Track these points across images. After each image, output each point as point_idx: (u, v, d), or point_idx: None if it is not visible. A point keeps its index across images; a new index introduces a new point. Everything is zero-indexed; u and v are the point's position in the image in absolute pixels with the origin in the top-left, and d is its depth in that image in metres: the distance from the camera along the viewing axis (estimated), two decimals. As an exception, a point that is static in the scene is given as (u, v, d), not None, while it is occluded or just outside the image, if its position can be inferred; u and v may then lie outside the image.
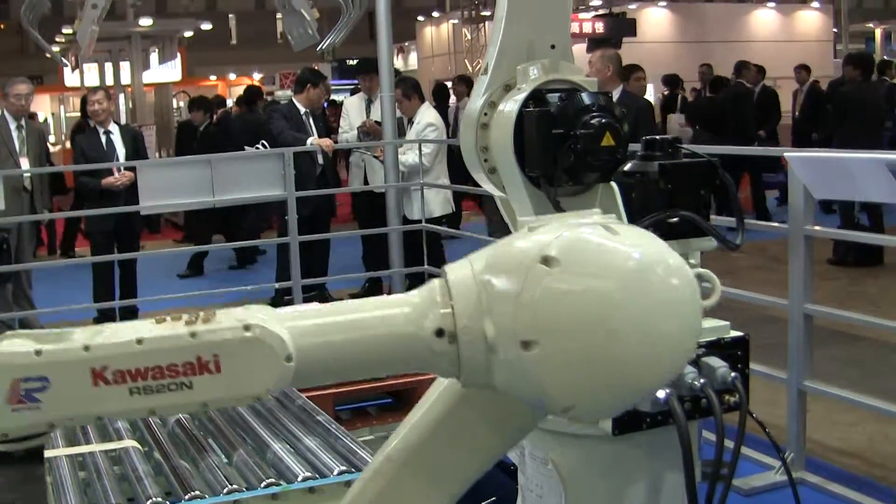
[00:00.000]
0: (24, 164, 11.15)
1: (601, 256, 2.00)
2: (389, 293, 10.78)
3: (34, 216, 11.20)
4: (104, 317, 11.18)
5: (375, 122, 11.71)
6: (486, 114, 3.38)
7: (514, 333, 1.95)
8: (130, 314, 11.37)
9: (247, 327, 1.93)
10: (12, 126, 11.19)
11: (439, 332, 2.09)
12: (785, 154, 6.39)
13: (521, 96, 3.25)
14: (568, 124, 3.11)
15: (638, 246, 1.99)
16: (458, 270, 2.11)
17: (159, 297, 11.44)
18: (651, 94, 19.96)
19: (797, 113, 20.31)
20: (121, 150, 11.30)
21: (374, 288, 12.29)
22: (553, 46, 3.46)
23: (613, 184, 3.20)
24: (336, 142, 11.90)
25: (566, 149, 3.10)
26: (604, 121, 3.11)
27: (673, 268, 2.03)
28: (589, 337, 1.92)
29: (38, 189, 11.22)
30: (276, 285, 10.94)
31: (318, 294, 11.02)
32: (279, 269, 11.21)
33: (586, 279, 1.94)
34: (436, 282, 2.17)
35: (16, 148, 11.14)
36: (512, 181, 3.27)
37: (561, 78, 3.35)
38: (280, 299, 10.93)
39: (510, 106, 3.29)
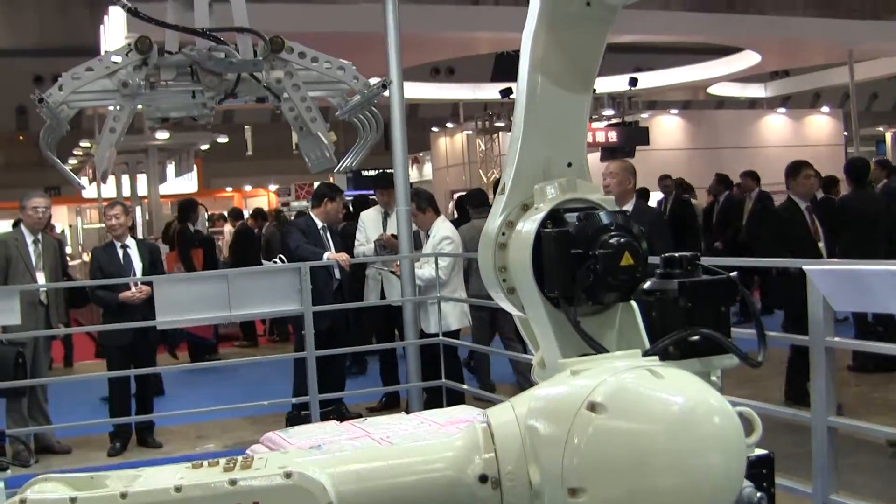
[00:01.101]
0: (41, 278, 11.17)
1: (646, 402, 1.98)
2: (407, 408, 10.75)
3: (49, 331, 11.18)
4: (120, 432, 11.13)
5: (392, 235, 11.74)
6: (504, 234, 3.37)
7: (561, 480, 1.92)
8: (147, 429, 11.31)
9: (287, 474, 1.90)
10: (29, 240, 11.22)
11: (483, 478, 2.06)
12: (804, 267, 6.35)
13: (539, 216, 3.24)
14: (587, 244, 3.09)
15: (681, 390, 1.97)
16: (501, 415, 2.09)
17: (177, 412, 11.39)
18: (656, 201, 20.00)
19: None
20: (138, 265, 11.35)
21: (391, 402, 12.23)
22: (570, 164, 3.46)
23: (633, 302, 3.17)
24: (353, 255, 11.92)
25: (585, 269, 3.08)
26: (622, 240, 3.09)
27: (715, 408, 2.01)
28: (637, 481, 1.90)
29: (54, 303, 11.23)
30: (294, 400, 10.88)
31: (336, 409, 10.95)
32: (296, 384, 11.16)
33: (633, 425, 1.92)
34: (478, 426, 2.14)
35: (32, 262, 11.17)
36: (531, 301, 3.25)
37: (579, 197, 3.34)
38: (297, 414, 10.86)
39: (528, 226, 3.28)
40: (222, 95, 3.65)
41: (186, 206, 18.94)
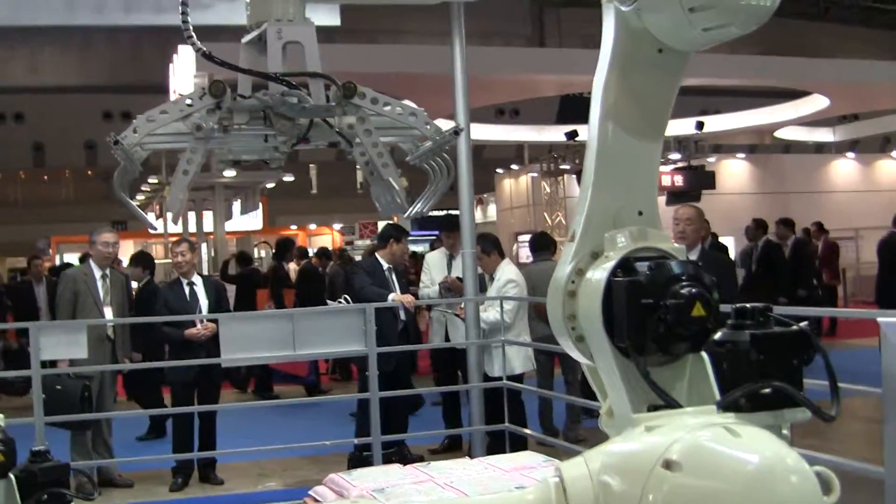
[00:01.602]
0: (108, 313, 11.25)
1: (722, 461, 1.96)
2: (469, 452, 10.71)
3: (116, 365, 11.26)
4: (182, 467, 11.17)
5: (457, 278, 11.72)
6: (573, 281, 3.35)
7: (636, 537, 1.90)
8: (209, 465, 11.34)
9: None
10: (97, 275, 11.29)
11: None
12: (879, 319, 6.23)
13: (610, 265, 3.23)
14: (657, 294, 3.07)
15: (757, 449, 1.95)
16: (574, 469, 2.07)
17: (240, 450, 11.41)
18: (732, 247, 19.80)
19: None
20: (203, 302, 11.41)
21: (453, 445, 12.18)
22: (640, 213, 3.45)
23: (704, 354, 3.14)
24: (417, 297, 11.93)
25: (656, 319, 3.05)
26: (694, 290, 3.07)
27: (792, 468, 1.98)
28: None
29: (121, 338, 11.32)
30: (356, 441, 10.86)
31: (398, 451, 10.94)
32: (358, 425, 11.15)
33: (709, 484, 1.90)
34: (550, 481, 2.12)
35: (100, 297, 11.24)
36: (600, 350, 3.23)
37: (649, 245, 3.32)
38: (359, 455, 10.84)
39: (598, 274, 3.26)
40: (295, 140, 3.65)
41: (283, 245, 19.06)
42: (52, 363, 10.40)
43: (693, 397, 3.08)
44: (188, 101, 3.59)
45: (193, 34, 3.55)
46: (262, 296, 18.35)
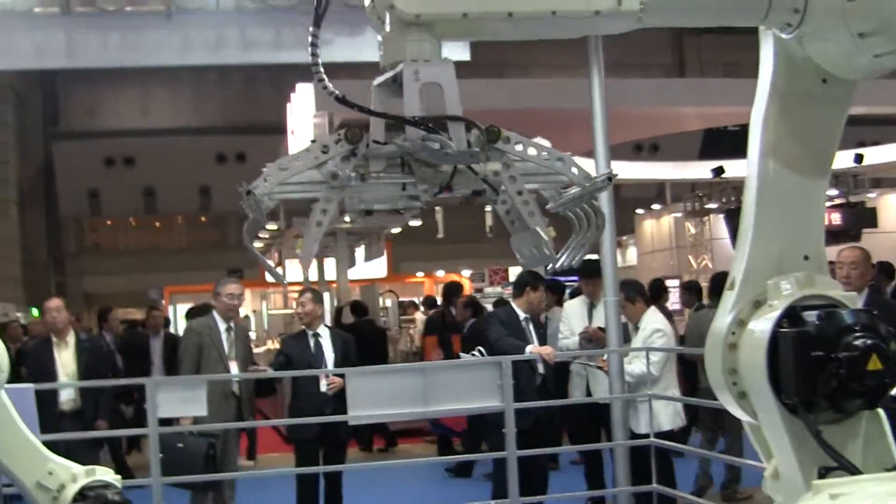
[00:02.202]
0: (233, 368, 11.33)
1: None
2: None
3: (241, 423, 11.40)
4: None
5: (599, 328, 11.66)
6: (734, 333, 3.32)
7: None
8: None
9: None
10: (222, 328, 11.40)
11: None
12: None
13: (775, 315, 3.20)
14: (829, 346, 3.05)
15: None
16: None
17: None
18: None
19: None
20: (329, 356, 11.44)
21: (596, 506, 12.11)
22: (806, 257, 3.41)
23: (880, 411, 3.11)
24: (556, 349, 11.89)
25: (827, 373, 3.02)
26: (869, 342, 3.04)
27: None
28: None
29: (246, 394, 11.42)
30: (492, 503, 10.85)
31: (538, 515, 10.92)
32: (495, 485, 11.11)
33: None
34: None
35: (225, 351, 11.34)
36: (765, 407, 3.21)
37: (817, 293, 3.28)
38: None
39: (762, 325, 3.24)
40: (437, 189, 3.61)
41: (451, 289, 19.22)
42: (170, 420, 10.59)
43: (869, 459, 3.04)
44: (323, 148, 3.58)
45: (325, 76, 3.56)
46: (429, 343, 18.46)
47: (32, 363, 12.32)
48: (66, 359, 12.04)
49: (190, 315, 18.11)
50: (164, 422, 10.56)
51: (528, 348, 11.13)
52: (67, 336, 12.20)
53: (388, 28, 3.34)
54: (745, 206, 3.54)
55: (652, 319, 11.43)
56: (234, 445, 11.46)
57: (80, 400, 11.99)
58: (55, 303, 12.33)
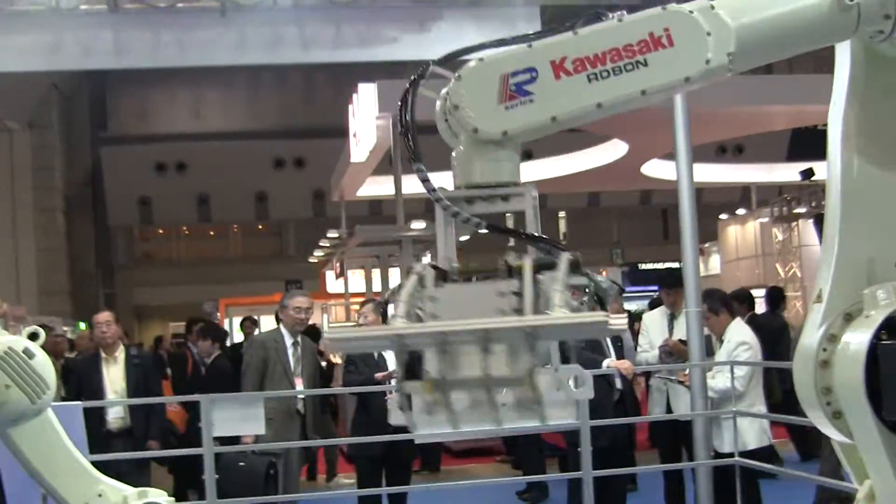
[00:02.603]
0: (299, 384, 11.40)
1: None
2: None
3: (302, 442, 11.39)
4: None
5: (680, 341, 11.59)
6: (825, 349, 3.28)
7: None
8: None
9: None
10: (288, 342, 11.46)
11: None
12: None
13: (872, 327, 3.16)
14: (933, 359, 3.00)
15: None
16: None
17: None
18: None
19: None
20: (393, 367, 11.40)
21: (677, 530, 12.04)
22: (900, 264, 3.36)
23: None
24: (635, 363, 11.83)
25: (933, 389, 2.98)
26: (977, 354, 2.99)
27: None
28: None
29: (311, 413, 11.46)
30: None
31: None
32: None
33: None
34: None
35: (291, 366, 11.40)
36: (862, 427, 3.17)
37: (918, 302, 3.24)
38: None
39: (858, 338, 3.20)
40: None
41: None
42: (231, 440, 10.65)
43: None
44: None
45: (451, 206, 3.45)
46: None
47: (78, 380, 12.36)
48: (114, 375, 12.05)
49: (243, 326, 18.17)
50: (226, 441, 10.66)
51: (606, 362, 11.09)
52: (116, 351, 12.23)
53: (463, 147, 3.31)
54: (828, 211, 3.49)
55: (737, 332, 11.35)
56: (296, 465, 11.51)
57: (130, 418, 12.02)
58: (105, 316, 12.36)
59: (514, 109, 3.17)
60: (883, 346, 3.06)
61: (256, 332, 19.12)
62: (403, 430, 9.66)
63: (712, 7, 3.16)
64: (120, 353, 12.25)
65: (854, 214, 3.38)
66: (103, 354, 12.18)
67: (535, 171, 30.83)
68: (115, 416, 11.94)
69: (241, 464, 10.62)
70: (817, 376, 3.29)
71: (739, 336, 11.29)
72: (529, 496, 15.00)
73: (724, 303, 11.61)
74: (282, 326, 11.69)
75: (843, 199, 3.40)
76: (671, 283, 11.99)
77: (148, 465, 12.05)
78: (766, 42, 3.29)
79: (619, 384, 11.39)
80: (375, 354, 11.47)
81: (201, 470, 9.82)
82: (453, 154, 3.30)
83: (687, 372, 11.07)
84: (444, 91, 3.30)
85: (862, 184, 3.39)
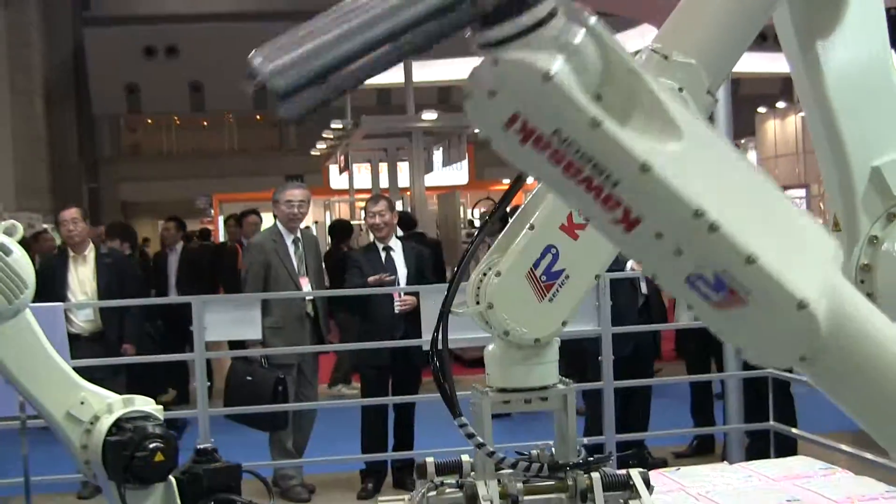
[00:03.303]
0: (305, 285, 11.35)
1: None
2: (724, 455, 10.63)
3: (312, 347, 11.36)
4: (373, 470, 11.31)
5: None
6: (862, 281, 3.24)
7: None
8: (406, 468, 11.46)
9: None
10: (288, 240, 11.41)
11: None
12: None
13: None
14: None
15: None
16: None
17: (442, 450, 11.55)
18: None
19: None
20: (402, 271, 11.53)
21: (703, 447, 12.09)
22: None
23: None
24: None
25: None
26: None
27: None
28: None
29: (323, 314, 11.47)
30: (585, 440, 10.88)
31: (636, 453, 10.93)
32: (588, 421, 11.13)
33: None
34: None
35: (294, 267, 11.36)
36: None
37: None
38: (587, 457, 10.86)
39: (904, 240, 3.16)
40: None
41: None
42: (239, 344, 10.74)
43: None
44: None
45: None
46: None
47: (41, 280, 12.21)
48: (83, 276, 12.13)
49: (227, 224, 18.11)
50: (236, 346, 10.70)
51: (630, 263, 11.11)
52: (86, 251, 12.28)
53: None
54: (814, 114, 3.39)
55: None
56: (312, 374, 11.47)
57: (101, 321, 12.09)
58: (71, 213, 12.28)
59: (559, 296, 3.23)
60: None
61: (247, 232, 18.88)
62: (410, 337, 9.74)
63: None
64: (90, 253, 12.28)
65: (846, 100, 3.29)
66: (71, 254, 12.24)
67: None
68: (85, 318, 12.00)
69: (249, 378, 10.65)
70: (856, 283, 3.27)
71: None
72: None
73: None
74: (278, 223, 11.57)
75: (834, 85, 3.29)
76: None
77: (122, 372, 12.07)
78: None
79: (644, 289, 11.39)
80: (382, 256, 11.50)
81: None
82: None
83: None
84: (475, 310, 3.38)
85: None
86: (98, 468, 5.32)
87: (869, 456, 8.94)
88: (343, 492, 11.53)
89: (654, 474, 5.44)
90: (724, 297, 1.96)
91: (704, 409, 12.24)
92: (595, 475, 3.10)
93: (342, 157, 31.98)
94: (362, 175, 31.77)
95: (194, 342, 9.81)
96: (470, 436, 3.23)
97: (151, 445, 5.16)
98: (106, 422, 5.29)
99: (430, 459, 3.17)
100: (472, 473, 3.47)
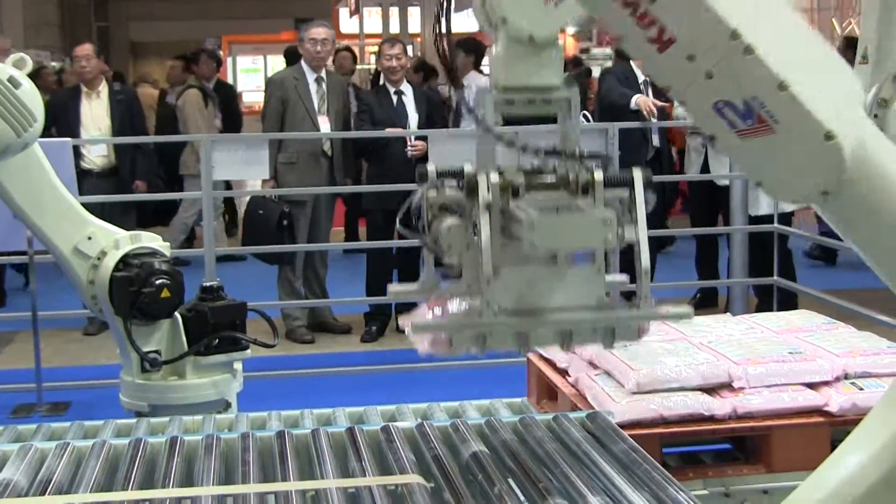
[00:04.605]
0: (324, 124, 11.34)
1: None
2: (727, 308, 10.68)
3: (329, 188, 11.43)
4: (377, 313, 11.37)
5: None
6: (875, 115, 3.24)
7: None
8: (408, 309, 11.47)
9: None
10: (310, 78, 11.40)
11: None
12: None
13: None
14: None
15: None
16: None
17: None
18: None
19: None
20: (413, 116, 11.46)
21: (706, 299, 12.13)
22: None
23: None
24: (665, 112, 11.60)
25: None
26: None
27: None
28: None
29: (339, 155, 11.45)
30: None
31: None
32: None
33: None
34: None
35: (314, 105, 11.34)
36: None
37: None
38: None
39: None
40: None
41: None
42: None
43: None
44: None
45: None
46: None
47: (54, 115, 12.16)
48: (97, 111, 12.12)
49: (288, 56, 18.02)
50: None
51: (635, 98, 10.99)
52: (99, 87, 12.28)
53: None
54: None
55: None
56: (325, 214, 11.53)
57: (115, 157, 12.15)
58: (85, 49, 12.34)
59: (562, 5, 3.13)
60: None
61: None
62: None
63: None
64: (103, 89, 12.29)
65: None
66: (84, 89, 12.21)
67: None
68: (99, 153, 12.01)
69: (261, 212, 10.73)
70: (871, 115, 3.24)
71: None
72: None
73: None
74: (302, 62, 11.59)
75: None
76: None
77: (132, 208, 12.15)
78: None
79: (656, 141, 11.32)
80: (394, 100, 11.45)
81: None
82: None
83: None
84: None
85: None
86: (104, 303, 5.37)
87: (871, 313, 8.99)
88: (347, 335, 11.56)
89: (656, 324, 5.48)
90: (751, 124, 1.95)
91: (709, 262, 12.25)
92: (597, 171, 3.05)
93: (353, 1, 31.71)
94: (373, 19, 31.54)
95: (202, 180, 9.83)
96: (470, 110, 3.19)
97: (158, 282, 5.22)
98: (113, 257, 5.33)
99: (431, 166, 3.11)
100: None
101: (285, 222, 10.67)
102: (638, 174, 3.04)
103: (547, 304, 2.98)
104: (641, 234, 2.95)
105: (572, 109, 3.22)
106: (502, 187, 2.98)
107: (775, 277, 10.53)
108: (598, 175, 3.02)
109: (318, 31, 11.54)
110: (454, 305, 3.08)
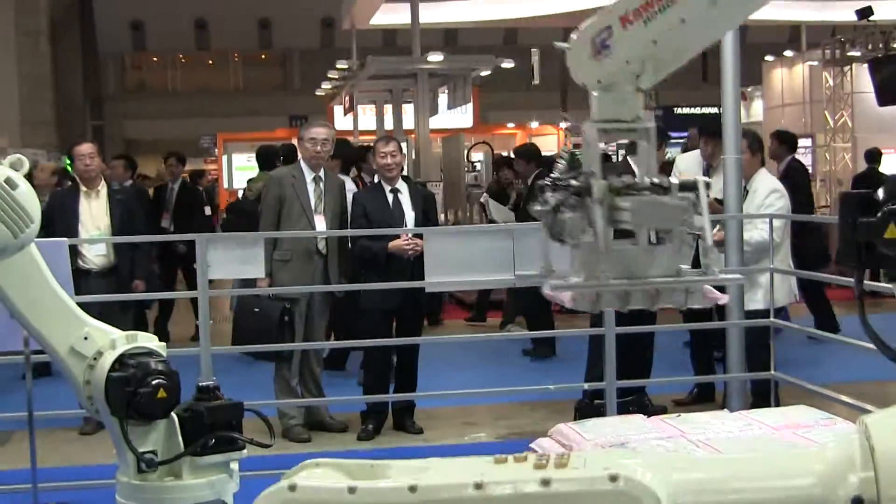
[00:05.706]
0: (320, 223, 11.40)
1: None
2: (723, 403, 10.64)
3: (322, 286, 11.31)
4: (374, 412, 11.34)
5: (716, 199, 11.35)
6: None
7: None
8: (406, 410, 11.47)
9: (612, 478, 1.91)
10: (308, 177, 11.45)
11: (857, 501, 2.03)
12: None
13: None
14: None
15: None
16: (883, 425, 2.03)
17: (443, 392, 11.56)
18: None
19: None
20: (409, 213, 11.45)
21: (704, 394, 12.10)
22: None
23: None
24: None
25: None
26: None
27: None
28: None
29: (335, 254, 11.46)
30: (586, 386, 10.89)
31: (637, 399, 10.96)
32: (589, 366, 11.12)
33: None
34: (854, 437, 2.10)
35: (310, 204, 11.38)
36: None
37: None
38: (589, 403, 10.88)
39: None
40: None
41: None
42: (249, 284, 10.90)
43: None
44: None
45: None
46: None
47: (50, 215, 12.05)
48: (97, 210, 12.07)
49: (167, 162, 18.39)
50: (243, 283, 10.70)
51: None
52: (98, 185, 12.21)
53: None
54: None
55: (765, 179, 11.34)
56: (319, 312, 11.48)
57: (114, 256, 12.05)
58: (87, 147, 12.25)
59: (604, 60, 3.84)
60: None
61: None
62: (417, 279, 9.70)
63: None
64: (102, 188, 12.22)
65: None
66: (83, 188, 12.13)
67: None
68: (98, 253, 11.97)
69: (257, 309, 10.74)
70: None
71: (769, 183, 11.28)
72: (536, 352, 15.18)
73: (761, 146, 11.64)
74: (301, 161, 11.67)
75: None
76: (711, 133, 11.87)
77: (131, 307, 12.15)
78: None
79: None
80: (389, 199, 11.44)
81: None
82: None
83: (717, 229, 10.88)
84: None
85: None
86: (101, 404, 5.34)
87: (870, 408, 8.95)
88: (343, 433, 11.53)
89: (654, 421, 5.47)
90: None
91: (704, 357, 12.22)
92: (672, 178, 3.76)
93: (347, 98, 31.82)
94: (367, 117, 31.69)
95: (197, 280, 9.83)
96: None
97: (154, 382, 5.20)
98: (109, 357, 5.31)
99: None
100: None
101: (286, 318, 10.65)
102: (701, 181, 3.66)
103: (642, 274, 3.68)
104: (705, 221, 3.67)
105: (650, 137, 3.89)
106: (609, 188, 3.65)
107: (773, 372, 10.49)
108: (674, 180, 3.67)
109: (319, 131, 11.58)
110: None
